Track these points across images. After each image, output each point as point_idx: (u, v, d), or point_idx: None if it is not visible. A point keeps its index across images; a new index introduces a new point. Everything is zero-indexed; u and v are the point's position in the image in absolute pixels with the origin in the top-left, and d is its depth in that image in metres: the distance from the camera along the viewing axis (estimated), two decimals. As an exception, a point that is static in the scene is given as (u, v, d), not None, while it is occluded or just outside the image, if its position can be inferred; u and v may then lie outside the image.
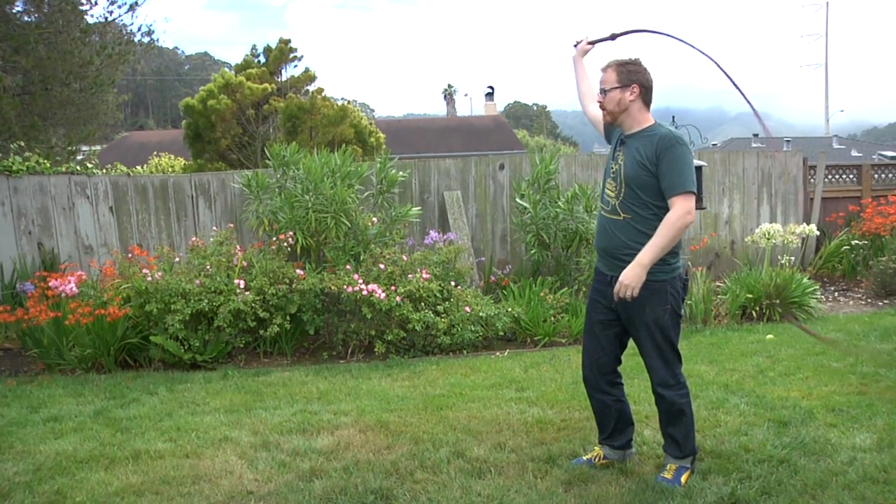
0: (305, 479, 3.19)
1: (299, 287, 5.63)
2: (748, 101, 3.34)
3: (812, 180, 9.34)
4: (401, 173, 6.98)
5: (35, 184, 7.26)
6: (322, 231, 6.26)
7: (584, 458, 3.28)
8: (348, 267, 5.94)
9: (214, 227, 7.36)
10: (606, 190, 3.10)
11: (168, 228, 7.61)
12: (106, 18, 8.03)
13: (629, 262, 2.89)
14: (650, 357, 3.06)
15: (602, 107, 3.06)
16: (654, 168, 2.91)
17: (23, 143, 7.73)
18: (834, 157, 21.51)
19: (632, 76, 2.99)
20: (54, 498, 3.11)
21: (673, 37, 3.38)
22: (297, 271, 5.82)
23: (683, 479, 3.02)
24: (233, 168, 12.43)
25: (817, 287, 6.97)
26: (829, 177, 9.68)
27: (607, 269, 3.09)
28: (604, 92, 3.02)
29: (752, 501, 2.84)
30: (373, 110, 69.58)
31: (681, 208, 2.83)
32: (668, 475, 3.03)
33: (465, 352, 5.75)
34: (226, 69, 16.54)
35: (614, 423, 3.23)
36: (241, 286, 5.62)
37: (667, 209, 2.89)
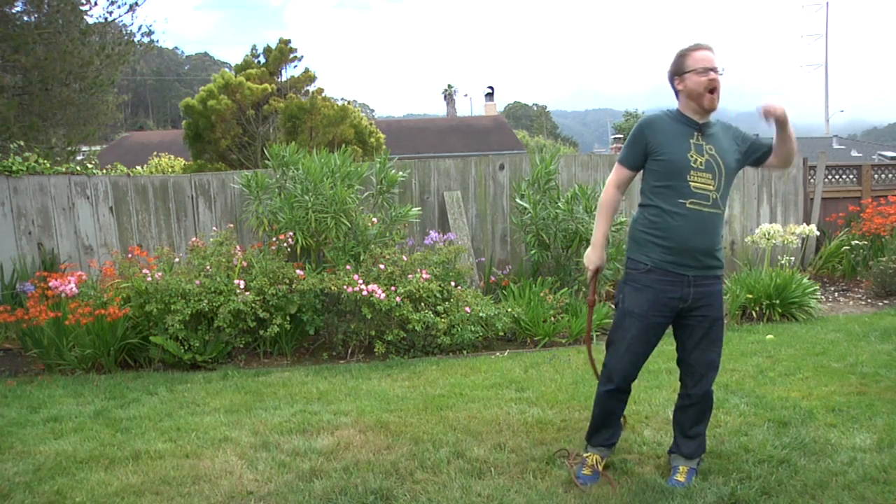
0: (305, 479, 3.19)
1: (299, 287, 5.63)
2: None
3: (812, 180, 9.34)
4: (401, 173, 6.98)
5: (35, 184, 7.26)
6: (322, 231, 6.26)
7: (588, 473, 3.09)
8: (348, 267, 5.94)
9: (214, 228, 7.36)
10: (699, 184, 2.85)
11: (168, 229, 7.61)
12: (106, 18, 8.03)
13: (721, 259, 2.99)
14: (716, 353, 3.05)
15: (715, 89, 2.83)
16: (742, 158, 3.00)
17: (22, 143, 7.73)
18: (834, 157, 21.49)
19: None
20: (54, 498, 3.11)
21: None
22: (297, 271, 5.82)
23: (694, 480, 3.03)
24: (233, 168, 12.43)
25: (817, 287, 6.97)
26: (829, 177, 9.68)
27: (695, 270, 2.91)
28: (718, 72, 2.83)
29: (752, 501, 2.84)
30: (373, 110, 69.63)
31: None
32: (680, 477, 3.03)
33: (465, 352, 5.75)
34: (226, 69, 16.52)
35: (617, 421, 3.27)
36: (241, 286, 5.62)
37: None
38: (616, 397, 3.13)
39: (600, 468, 3.13)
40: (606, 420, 3.18)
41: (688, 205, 2.85)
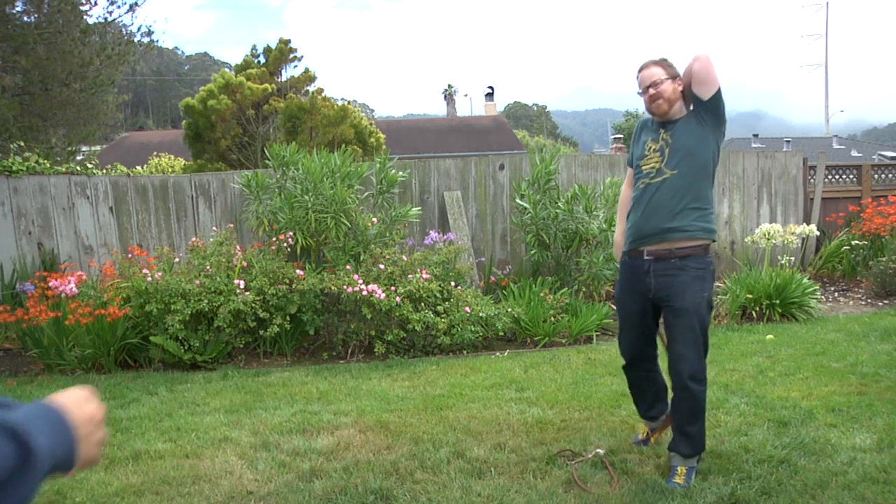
0: (305, 479, 3.19)
1: (299, 287, 5.63)
2: None
3: (812, 180, 9.34)
4: (401, 173, 6.98)
5: (35, 184, 7.26)
6: (322, 231, 6.26)
7: (640, 437, 3.49)
8: (348, 267, 5.94)
9: (214, 228, 7.36)
10: (649, 165, 3.19)
11: (168, 228, 7.61)
12: (106, 19, 8.03)
13: None
14: (685, 346, 3.07)
15: (657, 99, 3.10)
16: (697, 118, 3.18)
17: (23, 144, 7.73)
18: (834, 158, 21.50)
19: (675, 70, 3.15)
20: (54, 498, 3.11)
21: None
22: (297, 271, 5.82)
23: (693, 480, 3.03)
24: (233, 168, 12.43)
25: (817, 287, 6.97)
26: (829, 177, 9.68)
27: (654, 244, 3.16)
28: (658, 84, 3.10)
29: (752, 501, 2.84)
30: (373, 110, 69.63)
31: None
32: (679, 479, 3.02)
33: (465, 352, 5.75)
34: (226, 69, 16.53)
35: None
36: (241, 286, 5.62)
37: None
38: (628, 372, 3.43)
39: (646, 436, 3.48)
40: (634, 393, 3.48)
41: (639, 185, 3.17)
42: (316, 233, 6.30)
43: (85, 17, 7.85)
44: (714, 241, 3.13)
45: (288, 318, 5.69)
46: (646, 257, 3.11)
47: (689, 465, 3.07)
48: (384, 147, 13.92)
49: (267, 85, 13.65)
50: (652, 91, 3.09)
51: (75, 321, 5.37)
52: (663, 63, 3.13)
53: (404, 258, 6.05)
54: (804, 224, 7.69)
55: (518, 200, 7.23)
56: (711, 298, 3.11)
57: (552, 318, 6.11)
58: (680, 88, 3.08)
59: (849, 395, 4.16)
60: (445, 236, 6.74)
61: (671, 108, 3.10)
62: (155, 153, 16.43)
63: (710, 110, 3.05)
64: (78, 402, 0.92)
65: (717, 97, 3.01)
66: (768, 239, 7.13)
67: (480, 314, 5.80)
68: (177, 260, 6.34)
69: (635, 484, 3.03)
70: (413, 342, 5.72)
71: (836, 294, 7.94)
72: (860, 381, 4.45)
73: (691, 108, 3.11)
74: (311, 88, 14.69)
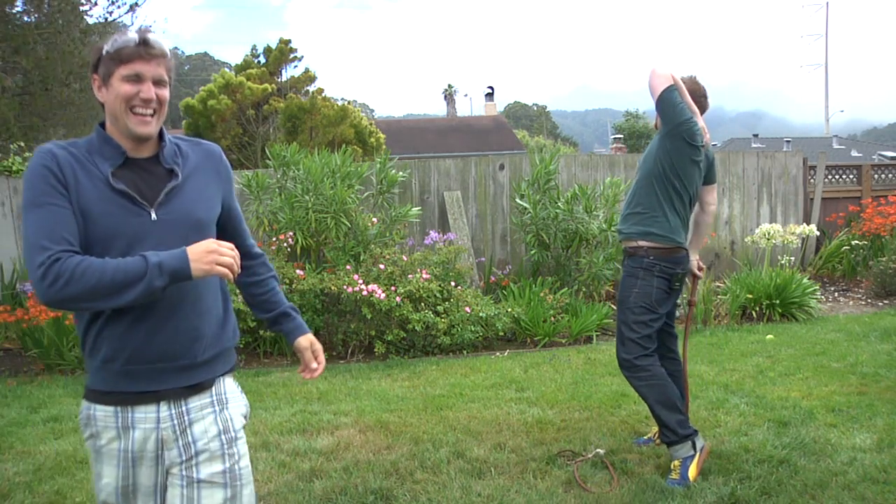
0: (305, 479, 3.19)
1: (299, 287, 5.63)
2: None
3: (812, 180, 9.34)
4: (401, 173, 6.98)
5: (35, 184, 7.25)
6: (322, 231, 6.26)
7: (646, 437, 3.52)
8: (348, 267, 5.94)
9: (214, 228, 7.35)
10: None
11: (168, 229, 7.60)
12: (106, 19, 8.04)
13: None
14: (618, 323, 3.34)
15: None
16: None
17: (23, 144, 7.73)
18: (834, 158, 21.50)
19: None
20: (54, 498, 3.11)
21: None
22: (297, 271, 5.82)
23: (691, 473, 3.01)
24: (233, 168, 12.43)
25: (817, 287, 6.97)
26: (829, 177, 9.68)
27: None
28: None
29: (752, 501, 2.84)
30: (373, 110, 69.57)
31: None
32: (674, 475, 3.03)
33: (465, 352, 5.75)
34: (226, 69, 16.54)
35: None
36: (241, 286, 5.61)
37: None
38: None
39: (651, 436, 3.54)
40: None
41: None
42: (316, 233, 6.30)
43: (85, 17, 7.87)
44: (653, 244, 3.18)
45: (288, 318, 5.68)
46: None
47: (679, 456, 3.07)
48: (384, 147, 13.93)
49: (267, 85, 13.66)
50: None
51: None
52: None
53: (404, 258, 6.05)
54: (804, 224, 7.69)
55: (518, 200, 7.23)
56: (648, 295, 3.17)
57: (552, 318, 6.11)
58: None
59: (849, 395, 4.17)
60: (445, 236, 6.74)
61: (655, 118, 3.32)
62: (155, 153, 16.40)
63: (661, 116, 3.20)
64: (198, 245, 1.54)
65: (660, 103, 3.14)
66: (768, 239, 7.13)
67: (480, 314, 5.80)
68: (177, 260, 6.32)
69: (635, 484, 3.03)
70: (413, 342, 5.72)
71: (836, 294, 7.94)
72: (860, 381, 4.45)
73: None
74: (311, 88, 14.71)
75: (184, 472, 1.68)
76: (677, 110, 3.10)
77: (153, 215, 1.61)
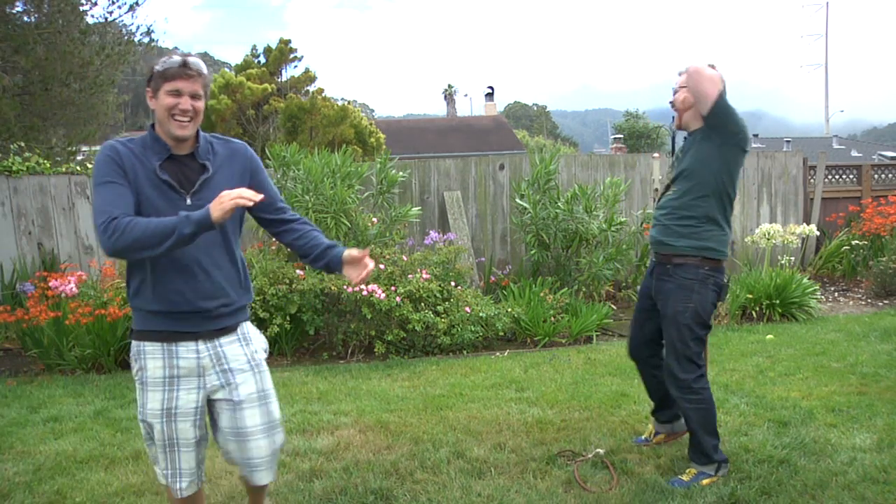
0: (305, 479, 3.19)
1: (299, 287, 5.63)
2: None
3: (812, 180, 9.34)
4: (401, 173, 6.98)
5: (35, 184, 7.26)
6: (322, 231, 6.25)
7: (643, 437, 3.52)
8: (348, 267, 5.93)
9: (214, 228, 7.35)
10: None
11: (168, 228, 7.60)
12: (106, 19, 8.04)
13: None
14: (668, 353, 3.15)
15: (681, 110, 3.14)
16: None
17: (23, 144, 7.73)
18: (834, 157, 21.49)
19: None
20: (54, 498, 3.11)
21: None
22: (297, 271, 5.82)
23: (705, 481, 3.00)
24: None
25: (817, 287, 6.97)
26: (829, 177, 9.68)
27: (655, 254, 3.26)
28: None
29: (752, 501, 2.84)
30: (373, 110, 69.56)
31: None
32: (685, 477, 3.04)
33: (465, 352, 5.75)
34: (226, 69, 16.54)
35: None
36: (241, 286, 5.62)
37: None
38: (636, 364, 3.46)
39: (649, 435, 3.52)
40: (645, 388, 3.50)
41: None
42: (316, 233, 6.29)
43: (85, 17, 7.86)
44: (709, 257, 3.02)
45: (288, 318, 5.69)
46: (652, 258, 3.24)
47: (701, 469, 3.04)
48: (384, 147, 13.93)
49: (267, 85, 13.67)
50: (672, 100, 3.12)
51: (75, 321, 5.37)
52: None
53: (404, 258, 6.05)
54: (804, 224, 7.69)
55: (518, 200, 7.23)
56: (704, 310, 3.01)
57: (552, 318, 6.11)
58: (691, 99, 3.00)
59: (849, 395, 4.17)
60: (445, 236, 6.74)
61: (682, 119, 3.09)
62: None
63: (712, 126, 2.94)
64: (219, 196, 2.01)
65: (716, 111, 2.87)
66: (768, 239, 7.13)
67: (480, 314, 5.80)
68: (177, 260, 6.32)
69: (635, 484, 3.03)
70: (413, 342, 5.72)
71: (836, 294, 7.94)
72: (860, 381, 4.45)
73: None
74: (311, 88, 14.72)
75: (226, 397, 2.24)
76: (735, 118, 2.90)
77: (188, 200, 2.12)
